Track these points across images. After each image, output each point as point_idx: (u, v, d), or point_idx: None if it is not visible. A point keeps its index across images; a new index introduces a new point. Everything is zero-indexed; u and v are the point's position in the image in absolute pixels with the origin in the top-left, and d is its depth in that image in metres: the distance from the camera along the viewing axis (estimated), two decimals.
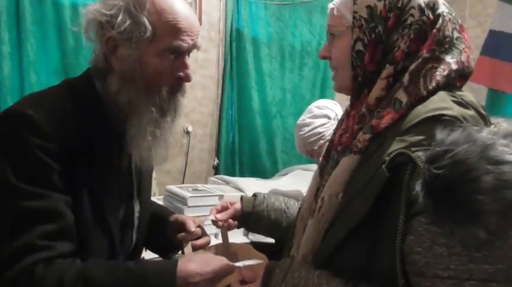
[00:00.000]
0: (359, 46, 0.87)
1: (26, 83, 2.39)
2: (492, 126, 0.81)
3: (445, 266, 0.68)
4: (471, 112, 0.79)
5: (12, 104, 0.98)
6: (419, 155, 0.73)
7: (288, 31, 3.41)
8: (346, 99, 1.00)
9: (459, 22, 0.88)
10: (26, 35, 2.38)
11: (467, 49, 0.86)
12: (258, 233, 1.34)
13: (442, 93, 0.81)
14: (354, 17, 0.87)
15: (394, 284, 0.74)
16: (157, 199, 2.23)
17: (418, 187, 0.70)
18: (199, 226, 1.22)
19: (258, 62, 3.26)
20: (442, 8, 0.86)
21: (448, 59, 0.83)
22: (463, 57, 0.85)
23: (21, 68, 2.39)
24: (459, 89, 0.86)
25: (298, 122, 1.82)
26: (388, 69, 0.84)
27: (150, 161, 1.06)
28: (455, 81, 0.85)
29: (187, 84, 1.07)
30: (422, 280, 0.71)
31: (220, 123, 3.18)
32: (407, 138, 0.76)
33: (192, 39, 1.01)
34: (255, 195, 1.31)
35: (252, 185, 2.47)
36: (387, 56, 0.85)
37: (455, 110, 0.77)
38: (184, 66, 1.03)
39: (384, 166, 0.75)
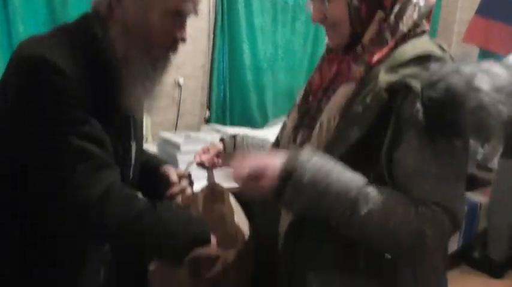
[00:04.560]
0: (355, 2, 0.97)
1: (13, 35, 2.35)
2: None
3: (429, 166, 0.88)
4: (448, 55, 0.96)
5: (23, 49, 0.98)
6: (414, 82, 0.88)
7: None
8: None
9: None
10: None
11: None
12: None
13: (426, 38, 0.98)
14: None
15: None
16: (151, 144, 2.28)
17: (417, 105, 0.86)
18: (184, 176, 1.29)
19: (250, 15, 3.23)
20: None
21: None
22: None
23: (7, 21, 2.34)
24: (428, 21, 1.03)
25: None
26: (379, 14, 0.97)
27: (138, 110, 1.12)
28: (425, 17, 1.00)
29: None
30: (410, 178, 0.89)
31: (212, 76, 3.19)
32: (400, 71, 0.91)
33: (196, 4, 1.05)
34: (233, 137, 1.39)
35: None
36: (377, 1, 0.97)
37: (439, 52, 0.94)
38: (183, 28, 1.07)
39: (382, 90, 0.89)
